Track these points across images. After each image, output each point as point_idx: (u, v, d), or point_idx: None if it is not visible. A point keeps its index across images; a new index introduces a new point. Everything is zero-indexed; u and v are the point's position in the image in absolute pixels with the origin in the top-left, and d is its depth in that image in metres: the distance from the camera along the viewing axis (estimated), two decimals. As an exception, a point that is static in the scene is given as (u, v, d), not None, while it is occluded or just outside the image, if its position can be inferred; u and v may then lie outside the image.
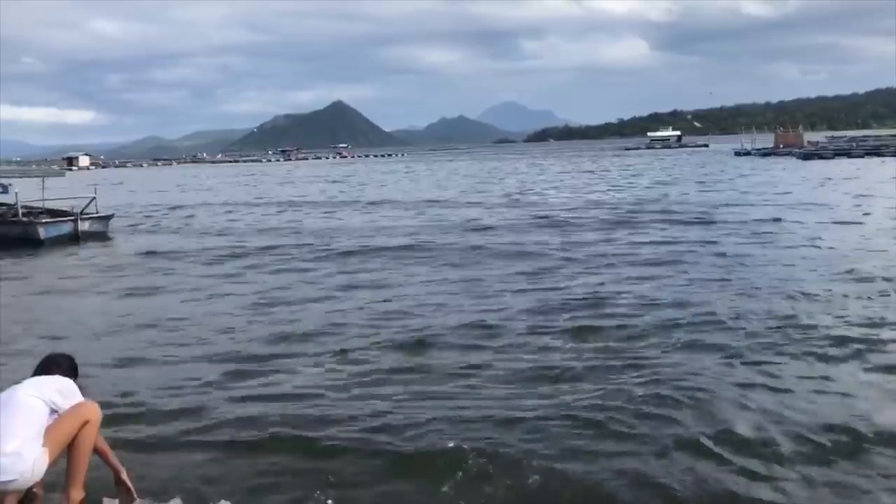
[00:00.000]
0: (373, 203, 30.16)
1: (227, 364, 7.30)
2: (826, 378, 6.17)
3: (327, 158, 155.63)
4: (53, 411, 3.80)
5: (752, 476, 4.45)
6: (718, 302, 9.13)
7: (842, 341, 7.12)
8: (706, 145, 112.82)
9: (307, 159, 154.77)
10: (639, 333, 7.77)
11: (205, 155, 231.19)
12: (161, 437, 5.42)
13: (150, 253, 16.66)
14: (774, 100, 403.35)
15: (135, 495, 4.11)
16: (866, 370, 6.38)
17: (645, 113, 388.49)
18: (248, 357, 7.55)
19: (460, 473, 4.62)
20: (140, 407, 6.04)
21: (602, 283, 10.78)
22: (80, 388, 4.09)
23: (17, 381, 4.00)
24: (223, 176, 74.37)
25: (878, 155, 52.55)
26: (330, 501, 4.34)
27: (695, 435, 5.05)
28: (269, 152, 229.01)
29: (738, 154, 66.54)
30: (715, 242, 14.68)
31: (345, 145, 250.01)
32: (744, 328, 7.79)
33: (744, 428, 5.13)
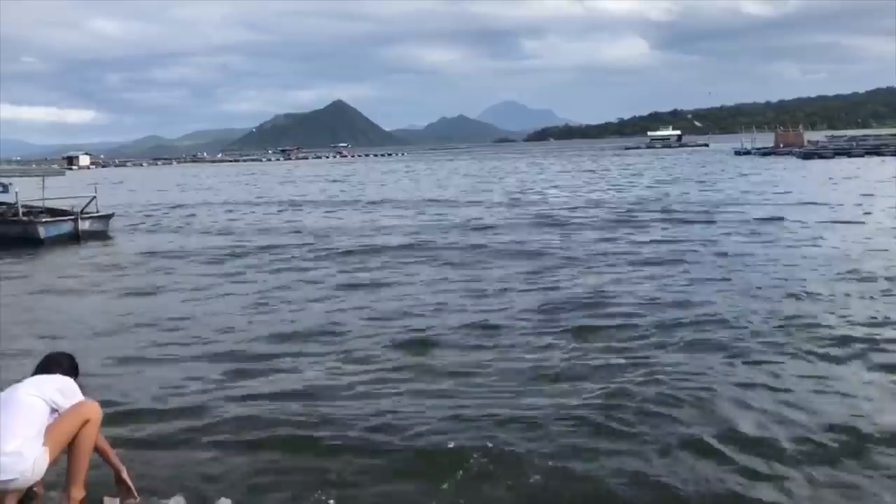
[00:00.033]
0: (373, 202, 30.15)
1: (227, 363, 7.30)
2: (828, 378, 6.15)
3: (327, 158, 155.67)
4: (54, 410, 3.79)
5: (755, 476, 4.44)
6: (720, 301, 9.12)
7: (844, 341, 7.11)
8: (706, 145, 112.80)
9: (307, 159, 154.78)
10: (640, 333, 7.76)
11: (205, 154, 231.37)
12: (161, 436, 5.41)
13: (151, 252, 16.65)
14: (775, 99, 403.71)
15: (135, 494, 4.11)
16: (869, 369, 6.37)
17: (645, 112, 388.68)
18: (248, 356, 7.54)
19: (461, 472, 4.61)
20: (140, 406, 6.03)
21: (603, 283, 10.77)
22: (81, 387, 4.08)
23: (18, 381, 4.00)
24: (223, 175, 74.38)
25: (879, 154, 52.53)
26: (331, 501, 4.33)
27: (697, 434, 5.04)
28: (270, 152, 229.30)
29: (738, 153, 66.51)
30: (716, 242, 14.67)
31: (345, 145, 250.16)
32: (745, 327, 7.77)
33: (746, 427, 5.12)
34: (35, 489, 3.89)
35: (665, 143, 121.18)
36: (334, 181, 52.32)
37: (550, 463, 4.68)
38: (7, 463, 3.50)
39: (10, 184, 21.51)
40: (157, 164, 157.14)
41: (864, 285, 9.73)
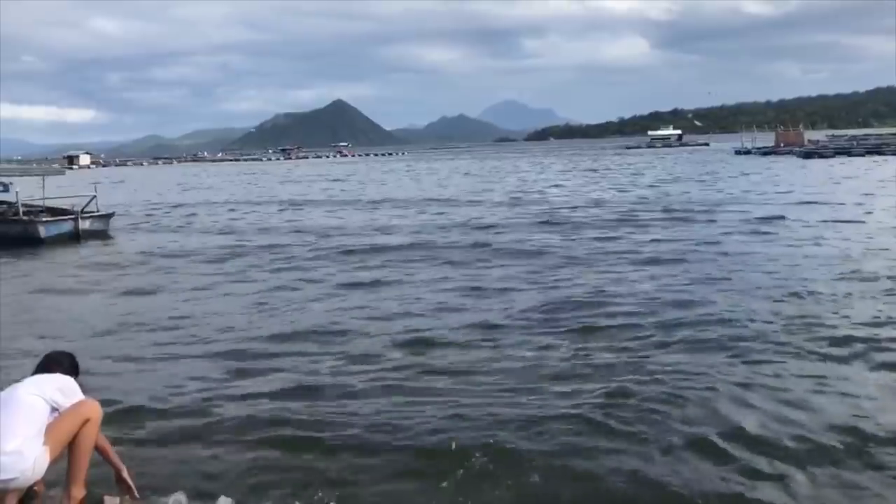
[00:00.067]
0: (374, 202, 30.15)
1: (227, 362, 7.30)
2: (830, 377, 6.13)
3: (328, 157, 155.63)
4: (54, 409, 3.79)
5: (757, 475, 4.43)
6: (721, 301, 9.11)
7: (846, 340, 7.08)
8: (707, 144, 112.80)
9: (307, 158, 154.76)
10: (641, 332, 7.75)
11: (205, 154, 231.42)
12: (162, 435, 5.41)
13: (151, 251, 16.66)
14: (775, 98, 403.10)
15: (136, 493, 4.10)
16: (871, 369, 6.34)
17: (646, 112, 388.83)
18: (248, 355, 7.54)
19: (461, 471, 4.61)
20: (141, 404, 6.02)
21: (604, 282, 10.76)
22: (81, 386, 4.08)
23: (18, 380, 4.00)
24: (224, 175, 74.39)
25: (879, 153, 52.52)
26: (331, 500, 4.32)
27: (698, 434, 5.03)
28: (270, 151, 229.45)
29: (738, 153, 66.47)
30: (717, 241, 14.66)
31: (345, 144, 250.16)
32: (747, 327, 7.76)
33: (747, 427, 5.09)
34: (35, 488, 3.90)
35: (665, 142, 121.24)
36: (335, 180, 52.31)
37: (551, 462, 4.68)
38: (7, 462, 3.50)
39: (11, 183, 21.54)
40: (157, 164, 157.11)
41: (866, 285, 9.71)
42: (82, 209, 20.29)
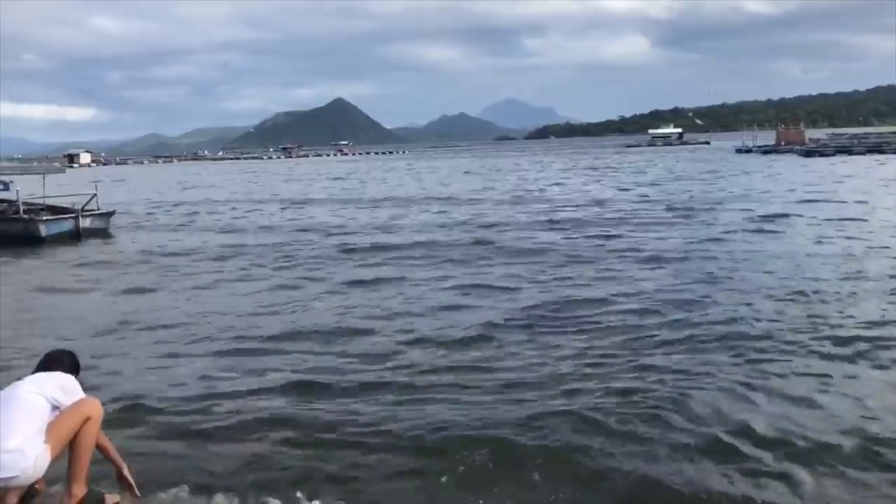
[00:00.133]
0: (375, 200, 30.15)
1: (228, 360, 7.29)
2: (836, 377, 6.09)
3: (328, 156, 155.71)
4: (55, 408, 3.78)
5: (761, 475, 4.40)
6: (724, 299, 9.08)
7: (851, 339, 7.04)
8: (707, 142, 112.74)
9: (308, 157, 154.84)
10: (644, 331, 7.72)
11: (206, 152, 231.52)
12: (163, 433, 5.41)
13: (152, 250, 16.65)
14: (776, 97, 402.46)
15: (136, 491, 4.09)
16: (877, 368, 6.31)
17: (646, 110, 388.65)
18: (249, 353, 7.53)
19: (462, 469, 4.61)
20: (141, 403, 6.01)
21: (606, 281, 10.74)
22: (82, 384, 4.07)
23: (19, 378, 3.98)
24: (225, 173, 74.41)
25: (880, 152, 52.43)
26: (332, 496, 4.32)
27: (701, 433, 5.00)
28: (271, 149, 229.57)
29: (739, 151, 66.48)
30: (719, 239, 14.63)
31: (346, 143, 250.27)
32: (751, 326, 7.73)
33: (753, 427, 5.06)
34: (36, 486, 3.90)
35: (666, 140, 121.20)
36: (336, 179, 52.33)
37: (552, 461, 4.66)
38: (8, 460, 3.49)
39: (11, 181, 21.51)
40: (157, 162, 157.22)
41: (870, 283, 9.69)
42: (83, 208, 20.28)
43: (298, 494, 4.32)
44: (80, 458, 3.81)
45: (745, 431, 4.99)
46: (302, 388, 6.28)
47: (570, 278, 11.10)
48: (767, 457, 4.62)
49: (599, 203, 24.39)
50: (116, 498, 4.06)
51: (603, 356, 6.90)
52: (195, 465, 4.80)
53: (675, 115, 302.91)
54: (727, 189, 28.05)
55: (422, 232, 18.14)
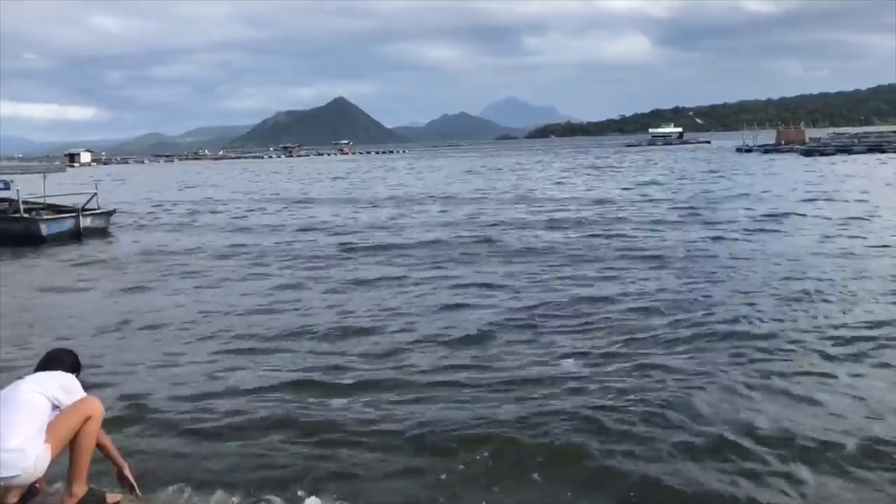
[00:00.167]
0: (377, 199, 30.12)
1: (229, 358, 7.30)
2: (838, 376, 6.09)
3: (329, 155, 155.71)
4: (56, 407, 3.77)
5: (763, 476, 4.40)
6: (727, 298, 9.08)
7: (854, 339, 7.04)
8: (708, 142, 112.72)
9: (309, 156, 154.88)
10: (646, 330, 7.72)
11: (206, 151, 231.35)
12: (163, 432, 5.41)
13: (153, 249, 16.63)
14: (777, 96, 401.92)
15: (137, 490, 4.08)
16: (880, 367, 6.29)
17: (647, 109, 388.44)
18: (251, 352, 7.53)
19: (462, 467, 4.62)
20: (142, 402, 6.01)
21: (608, 280, 10.73)
22: (82, 383, 4.06)
23: (20, 378, 3.97)
24: (225, 172, 74.39)
25: (881, 151, 52.40)
26: (333, 494, 4.32)
27: (703, 433, 5.00)
28: (271, 149, 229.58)
29: (740, 150, 66.43)
30: (721, 239, 14.63)
31: (346, 142, 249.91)
32: (752, 326, 7.72)
33: (753, 427, 5.06)
34: (37, 485, 3.89)
35: (666, 140, 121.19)
36: (337, 178, 52.31)
37: (553, 460, 4.66)
38: (9, 459, 3.48)
39: (12, 181, 21.48)
40: (158, 162, 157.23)
41: (872, 283, 9.67)
42: (83, 207, 20.25)
43: (299, 492, 4.34)
44: (80, 458, 3.80)
45: (747, 431, 4.98)
46: (303, 387, 6.28)
47: (571, 277, 11.09)
48: (769, 456, 4.61)
49: (600, 202, 24.36)
50: (117, 497, 4.05)
51: (604, 355, 6.90)
52: (196, 464, 4.81)
53: (675, 115, 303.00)
54: (728, 188, 28.02)
55: (423, 231, 18.13)
